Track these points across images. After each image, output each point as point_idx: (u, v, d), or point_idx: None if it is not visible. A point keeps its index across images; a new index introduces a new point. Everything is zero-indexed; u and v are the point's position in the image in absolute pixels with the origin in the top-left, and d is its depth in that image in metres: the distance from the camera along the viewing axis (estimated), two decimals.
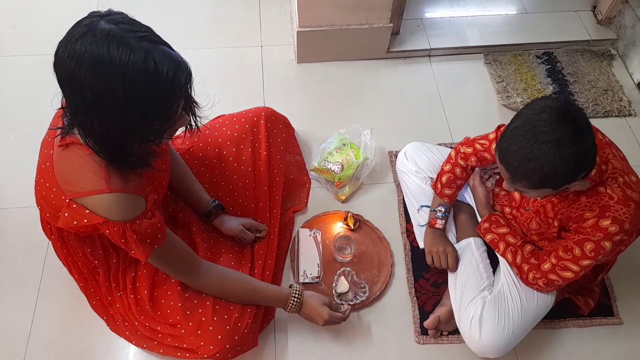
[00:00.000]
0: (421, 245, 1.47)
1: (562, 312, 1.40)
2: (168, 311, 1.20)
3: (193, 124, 1.03)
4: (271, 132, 1.50)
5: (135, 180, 1.00)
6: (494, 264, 1.38)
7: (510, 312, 1.25)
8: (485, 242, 1.41)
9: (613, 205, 1.06)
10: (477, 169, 1.43)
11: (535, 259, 1.24)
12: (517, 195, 1.31)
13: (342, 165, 1.62)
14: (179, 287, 1.21)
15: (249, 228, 1.42)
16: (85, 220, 0.97)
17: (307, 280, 1.45)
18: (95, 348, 1.35)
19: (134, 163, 0.97)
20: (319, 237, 1.52)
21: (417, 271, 1.49)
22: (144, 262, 1.19)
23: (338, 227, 1.55)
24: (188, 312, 1.19)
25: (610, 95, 1.91)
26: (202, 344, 1.17)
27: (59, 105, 0.98)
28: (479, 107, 1.89)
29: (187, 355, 1.21)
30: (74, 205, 0.97)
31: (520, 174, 1.01)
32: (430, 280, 1.47)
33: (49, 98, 1.01)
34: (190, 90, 0.95)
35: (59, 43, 0.85)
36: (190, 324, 1.18)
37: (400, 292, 1.47)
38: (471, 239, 1.42)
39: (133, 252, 1.03)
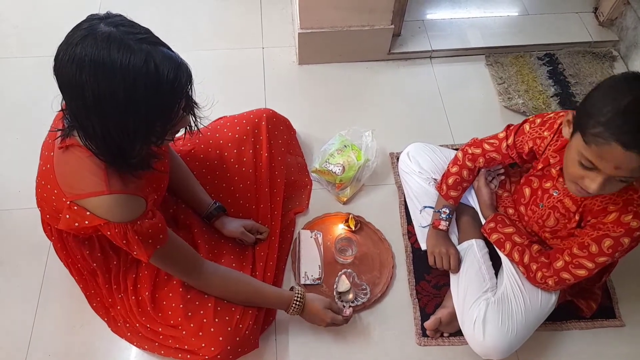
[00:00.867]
0: (423, 246, 1.47)
1: (564, 314, 1.40)
2: (169, 312, 1.20)
3: (193, 125, 1.03)
4: (272, 133, 1.50)
5: (135, 182, 1.00)
6: (496, 266, 1.38)
7: (514, 314, 1.25)
8: (487, 244, 1.41)
9: (636, 200, 1.05)
10: (482, 170, 1.43)
11: (545, 258, 1.23)
12: (527, 191, 1.29)
13: (343, 167, 1.62)
14: (181, 289, 1.21)
15: (249, 230, 1.42)
16: (86, 222, 0.98)
17: (308, 282, 1.44)
18: (97, 349, 1.35)
19: (135, 165, 0.97)
20: (320, 239, 1.52)
21: (418, 273, 1.49)
22: (146, 264, 1.19)
23: (339, 229, 1.55)
24: (189, 314, 1.18)
25: None
26: (203, 345, 1.16)
27: (59, 108, 0.98)
28: (480, 109, 1.89)
29: (188, 356, 1.21)
30: (75, 207, 0.97)
31: None
32: (431, 282, 1.47)
33: (51, 100, 1.01)
34: (191, 92, 0.95)
35: (59, 47, 0.85)
36: (192, 325, 1.18)
37: (401, 294, 1.46)
38: (473, 241, 1.41)
39: (135, 253, 1.03)
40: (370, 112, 1.86)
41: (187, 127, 1.02)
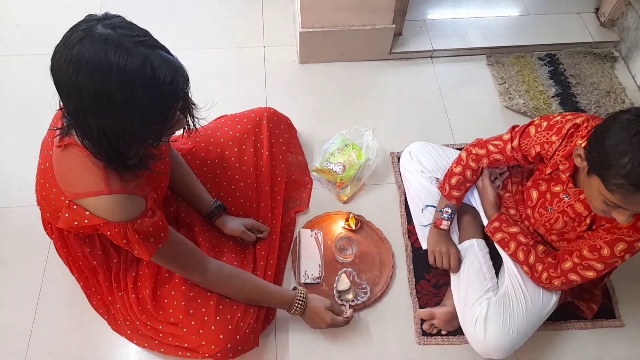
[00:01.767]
0: (423, 246, 1.47)
1: (564, 315, 1.40)
2: (170, 310, 1.21)
3: (191, 125, 1.02)
4: (273, 132, 1.50)
5: (134, 180, 0.99)
6: (496, 266, 1.38)
7: (515, 313, 1.25)
8: (487, 244, 1.42)
9: None
10: (485, 170, 1.43)
11: (552, 259, 1.23)
12: (534, 194, 1.29)
13: (344, 166, 1.62)
14: (183, 287, 1.21)
15: (250, 228, 1.42)
16: (85, 221, 0.97)
17: (308, 281, 1.45)
18: (97, 347, 1.35)
19: (132, 166, 0.96)
20: (320, 238, 1.52)
21: (418, 272, 1.49)
22: (147, 262, 1.19)
23: (339, 228, 1.56)
24: (191, 311, 1.19)
25: (613, 98, 1.90)
26: (203, 342, 1.17)
27: (58, 106, 0.98)
28: (481, 109, 1.89)
29: (189, 354, 1.22)
30: (74, 207, 0.97)
31: None
32: (431, 282, 1.47)
33: (52, 98, 1.01)
34: (188, 94, 0.94)
35: (56, 47, 0.84)
36: (193, 322, 1.18)
37: (401, 293, 1.47)
38: (474, 240, 1.42)
39: (136, 252, 1.03)
40: (371, 111, 1.86)
41: (185, 127, 1.02)
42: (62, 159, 0.98)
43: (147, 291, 1.22)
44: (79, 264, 1.25)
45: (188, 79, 0.92)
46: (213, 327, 1.17)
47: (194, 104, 1.00)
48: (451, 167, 1.44)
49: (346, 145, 1.67)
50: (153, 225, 1.01)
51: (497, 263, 1.38)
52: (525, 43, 2.04)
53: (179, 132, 1.04)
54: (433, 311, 1.39)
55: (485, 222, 1.40)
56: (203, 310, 1.19)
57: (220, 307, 1.20)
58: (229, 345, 1.17)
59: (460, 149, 1.50)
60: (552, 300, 1.28)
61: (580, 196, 1.15)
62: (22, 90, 1.86)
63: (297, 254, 1.49)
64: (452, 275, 1.40)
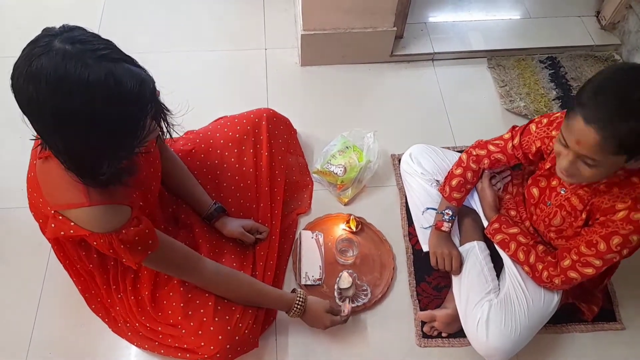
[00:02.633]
0: (424, 248, 1.47)
1: (565, 317, 1.40)
2: (169, 312, 1.21)
3: (165, 132, 0.99)
4: (273, 133, 1.51)
5: (118, 189, 0.96)
6: (497, 269, 1.38)
7: (517, 315, 1.25)
8: (488, 246, 1.41)
9: None
10: (486, 171, 1.43)
11: (552, 257, 1.23)
12: (535, 191, 1.30)
13: (345, 168, 1.62)
14: (181, 288, 1.21)
15: (249, 230, 1.42)
16: (71, 231, 0.96)
17: (308, 282, 1.45)
18: (97, 348, 1.35)
19: (105, 181, 0.93)
20: (321, 240, 1.52)
21: (418, 274, 1.49)
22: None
23: (340, 230, 1.56)
24: (190, 313, 1.19)
25: None
26: (202, 344, 1.17)
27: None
28: (482, 111, 1.89)
29: (188, 355, 1.21)
30: (60, 217, 0.95)
31: (613, 129, 0.91)
32: (432, 284, 1.47)
33: None
34: (159, 101, 0.92)
35: (15, 64, 0.81)
36: (192, 324, 1.18)
37: (402, 295, 1.47)
38: (475, 242, 1.41)
39: (124, 260, 1.02)
40: (372, 113, 1.86)
41: (160, 135, 1.00)
42: (44, 170, 0.97)
43: (146, 293, 1.22)
44: (77, 267, 1.24)
45: (155, 89, 0.89)
46: (212, 328, 1.17)
47: (168, 110, 0.97)
48: (452, 169, 1.44)
49: (347, 147, 1.68)
50: (139, 234, 0.99)
51: (498, 265, 1.38)
52: (526, 46, 2.04)
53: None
54: (434, 313, 1.39)
55: (485, 224, 1.40)
56: (201, 311, 1.19)
57: (219, 308, 1.20)
58: (227, 346, 1.17)
59: (460, 152, 1.50)
60: (553, 300, 1.28)
61: (579, 191, 1.16)
62: None
63: (298, 256, 1.49)
64: (453, 277, 1.40)
